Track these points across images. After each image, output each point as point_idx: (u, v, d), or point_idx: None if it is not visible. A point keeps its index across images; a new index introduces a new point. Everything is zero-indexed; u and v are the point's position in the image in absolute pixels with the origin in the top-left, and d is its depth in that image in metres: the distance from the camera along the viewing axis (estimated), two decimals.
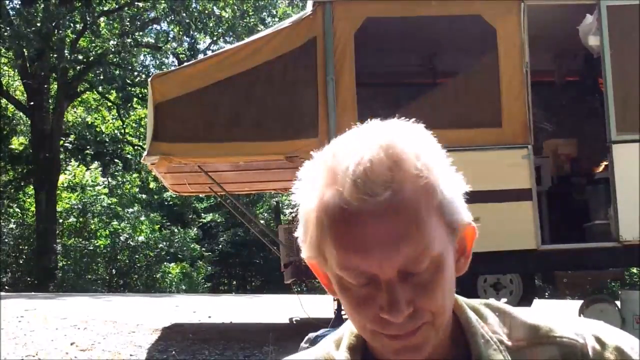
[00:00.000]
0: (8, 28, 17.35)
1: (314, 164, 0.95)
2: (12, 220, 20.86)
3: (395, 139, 0.91)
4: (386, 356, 0.96)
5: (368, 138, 0.92)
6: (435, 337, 0.94)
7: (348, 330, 1.04)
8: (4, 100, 20.70)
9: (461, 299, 1.03)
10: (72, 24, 18.64)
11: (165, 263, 22.38)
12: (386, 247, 0.88)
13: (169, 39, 20.75)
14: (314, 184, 0.93)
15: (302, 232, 0.97)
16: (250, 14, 19.65)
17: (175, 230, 23.70)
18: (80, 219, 20.97)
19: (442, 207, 0.91)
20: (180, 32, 19.97)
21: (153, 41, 21.52)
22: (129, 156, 23.11)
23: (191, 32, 20.48)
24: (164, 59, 22.01)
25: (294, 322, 8.37)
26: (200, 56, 20.82)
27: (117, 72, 19.68)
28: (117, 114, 22.85)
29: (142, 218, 22.10)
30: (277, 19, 19.49)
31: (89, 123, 23.37)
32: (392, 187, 0.88)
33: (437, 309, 0.92)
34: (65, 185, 21.23)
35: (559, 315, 1.05)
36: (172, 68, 15.34)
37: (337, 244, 0.90)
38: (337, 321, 6.52)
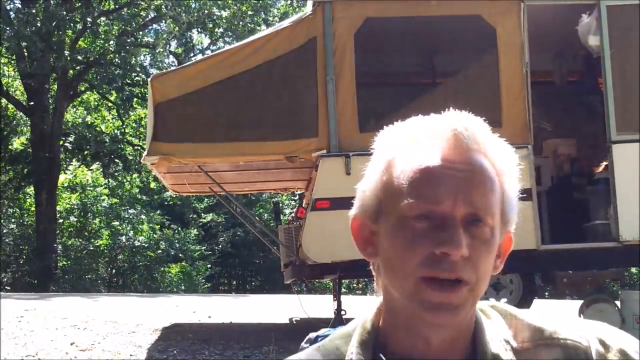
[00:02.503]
0: (8, 28, 17.34)
1: (393, 129, 1.03)
2: (12, 220, 20.85)
3: (483, 127, 1.01)
4: (420, 316, 0.96)
5: (467, 117, 1.02)
6: (471, 308, 0.97)
7: (360, 327, 1.05)
8: (4, 100, 20.68)
9: None
10: (72, 24, 18.62)
11: (165, 263, 22.38)
12: (463, 185, 0.95)
13: (164, 37, 20.68)
14: (400, 139, 1.01)
15: (367, 179, 1.02)
16: (250, 14, 19.63)
17: (176, 230, 23.70)
18: (81, 219, 20.97)
19: (504, 194, 1.00)
20: (179, 31, 19.92)
21: (153, 41, 21.51)
22: (129, 156, 23.10)
23: (189, 31, 20.44)
24: (163, 59, 22.00)
25: (294, 322, 8.37)
26: (199, 56, 20.82)
27: (117, 72, 19.66)
28: (117, 114, 22.84)
29: (143, 217, 22.09)
30: (277, 19, 19.48)
31: (89, 123, 23.36)
32: (485, 149, 0.99)
33: (482, 273, 0.96)
34: (66, 185, 21.23)
35: (563, 318, 1.06)
36: (172, 68, 15.33)
37: (420, 174, 0.96)
38: (337, 321, 6.52)
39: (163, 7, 18.75)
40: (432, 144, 0.97)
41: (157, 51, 19.73)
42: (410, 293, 0.95)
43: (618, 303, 7.05)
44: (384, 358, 1.00)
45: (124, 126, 22.82)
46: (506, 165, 1.00)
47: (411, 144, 0.99)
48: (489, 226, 0.96)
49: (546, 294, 16.69)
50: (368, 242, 1.02)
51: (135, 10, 19.48)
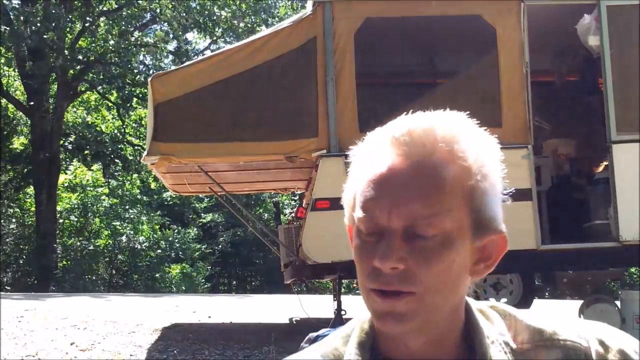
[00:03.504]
0: (7, 28, 17.33)
1: (374, 133, 1.02)
2: (12, 220, 20.85)
3: (452, 122, 0.97)
4: (377, 326, 0.97)
5: (434, 115, 0.99)
6: (427, 315, 0.94)
7: (358, 327, 1.05)
8: (4, 100, 20.69)
9: (469, 301, 1.03)
10: (71, 24, 18.62)
11: (165, 263, 22.38)
12: (398, 196, 0.92)
13: (157, 37, 20.68)
14: (370, 145, 1.00)
15: (345, 190, 1.02)
16: (250, 14, 19.63)
17: (176, 230, 23.69)
18: (81, 219, 20.97)
19: (472, 194, 0.95)
20: (174, 32, 19.90)
21: (152, 41, 21.51)
22: (129, 156, 23.11)
23: (183, 34, 20.42)
24: (163, 59, 22.01)
25: (294, 322, 8.37)
26: (199, 56, 20.80)
27: (117, 72, 19.66)
28: (117, 114, 22.85)
29: (143, 218, 22.09)
30: (277, 19, 19.47)
31: (89, 123, 23.37)
32: (427, 150, 0.93)
33: (429, 284, 0.93)
34: (66, 185, 21.23)
35: (563, 318, 1.06)
36: (172, 68, 15.32)
37: (365, 186, 0.96)
38: (337, 321, 6.52)
39: (157, 10, 18.74)
40: (380, 154, 0.96)
41: (154, 52, 19.72)
42: (366, 301, 0.97)
43: (618, 303, 7.05)
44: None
45: (124, 126, 22.83)
46: (481, 162, 0.95)
47: (368, 155, 0.99)
48: (439, 233, 0.92)
49: (546, 294, 16.70)
50: None
51: (135, 10, 19.46)
